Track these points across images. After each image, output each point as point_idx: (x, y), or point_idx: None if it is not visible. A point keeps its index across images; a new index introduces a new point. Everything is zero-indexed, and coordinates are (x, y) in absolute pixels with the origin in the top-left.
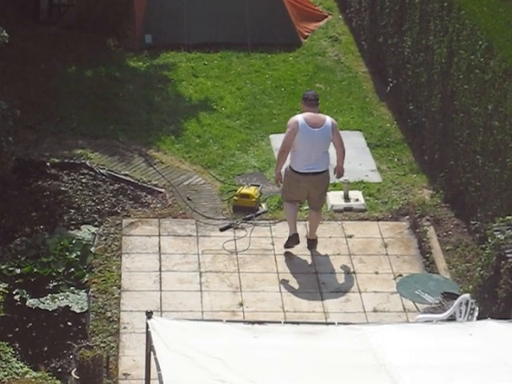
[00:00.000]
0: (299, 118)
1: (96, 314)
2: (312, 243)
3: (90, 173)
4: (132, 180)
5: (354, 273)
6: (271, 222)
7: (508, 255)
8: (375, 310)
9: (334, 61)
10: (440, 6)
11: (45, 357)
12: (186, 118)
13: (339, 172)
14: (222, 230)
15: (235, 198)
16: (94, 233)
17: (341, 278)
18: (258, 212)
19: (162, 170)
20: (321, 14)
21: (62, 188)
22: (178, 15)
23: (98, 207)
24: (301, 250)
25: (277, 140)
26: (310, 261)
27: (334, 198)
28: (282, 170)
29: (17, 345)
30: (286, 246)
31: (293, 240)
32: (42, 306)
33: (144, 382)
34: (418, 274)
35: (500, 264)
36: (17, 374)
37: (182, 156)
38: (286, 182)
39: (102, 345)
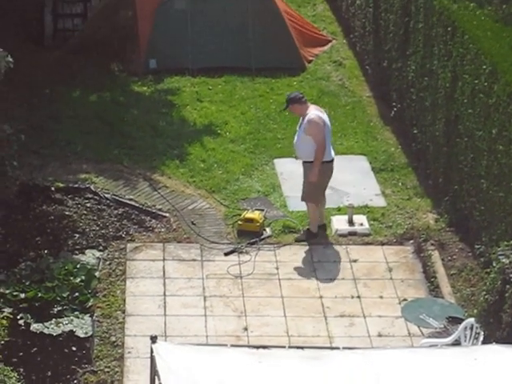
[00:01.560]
0: (318, 113)
1: (100, 338)
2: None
3: (95, 197)
4: (136, 204)
5: (359, 297)
6: (275, 246)
7: None
8: (380, 335)
9: (338, 85)
10: (444, 30)
11: (49, 382)
12: (190, 143)
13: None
14: (226, 254)
15: (239, 222)
16: (98, 257)
17: (345, 303)
18: (263, 236)
19: (167, 194)
20: (325, 39)
21: (67, 212)
22: (182, 40)
23: (103, 232)
24: (305, 275)
25: (281, 164)
26: (314, 285)
27: (339, 223)
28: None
29: (21, 369)
30: (307, 239)
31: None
32: (46, 331)
33: None
34: (422, 299)
35: (505, 288)
36: None
37: (187, 180)
38: (318, 181)
39: (107, 369)
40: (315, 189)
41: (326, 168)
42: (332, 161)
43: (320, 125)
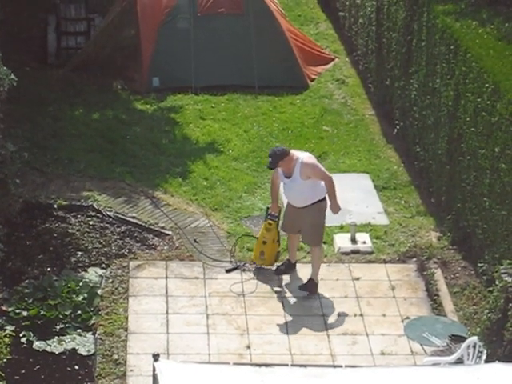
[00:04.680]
0: (304, 153)
1: (103, 356)
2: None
3: (98, 215)
4: (139, 222)
5: (362, 315)
6: (278, 264)
7: None
8: (383, 353)
9: (341, 103)
10: (447, 48)
11: None
12: (193, 161)
13: None
14: (227, 271)
15: (254, 258)
16: (101, 275)
17: (348, 321)
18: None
19: (169, 212)
20: (328, 57)
21: (69, 230)
22: (185, 58)
23: (105, 249)
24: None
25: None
26: (316, 303)
27: (341, 241)
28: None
29: None
30: (314, 291)
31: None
32: (48, 349)
33: None
34: (425, 317)
35: (508, 306)
36: None
37: (189, 198)
38: (322, 220)
39: None
40: (318, 229)
41: (325, 205)
42: (325, 198)
43: (315, 162)
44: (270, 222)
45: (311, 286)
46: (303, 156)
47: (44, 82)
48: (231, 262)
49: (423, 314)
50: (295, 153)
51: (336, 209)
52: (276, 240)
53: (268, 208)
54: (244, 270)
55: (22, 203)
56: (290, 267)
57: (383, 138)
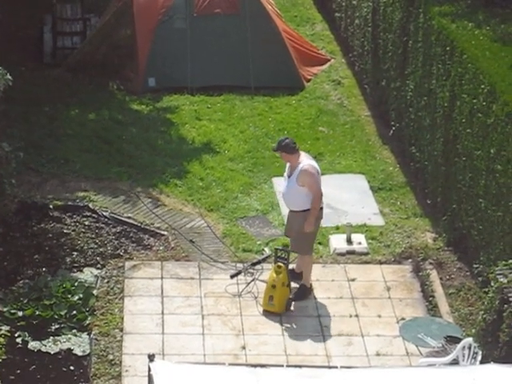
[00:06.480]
0: (311, 162)
1: (98, 356)
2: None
3: (93, 215)
4: (135, 223)
5: (357, 316)
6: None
7: (511, 299)
8: (378, 354)
9: (337, 104)
10: (443, 50)
11: None
12: (188, 161)
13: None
14: (232, 276)
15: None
16: (96, 275)
17: (343, 322)
18: (263, 257)
19: (165, 212)
20: (324, 58)
21: (65, 230)
22: (181, 58)
23: (101, 250)
24: None
25: (279, 183)
26: (312, 304)
27: (337, 242)
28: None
29: None
30: (303, 298)
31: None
32: (43, 349)
33: None
34: (420, 318)
35: (503, 308)
36: None
37: (185, 199)
38: (312, 230)
39: None
40: (306, 238)
41: (319, 216)
42: (322, 208)
43: (315, 175)
44: (280, 264)
45: (303, 291)
46: (307, 163)
47: (40, 81)
48: (226, 261)
49: (418, 314)
50: (303, 156)
51: (309, 227)
52: (286, 284)
53: (277, 250)
54: (247, 274)
55: (17, 203)
56: (294, 276)
57: (379, 138)
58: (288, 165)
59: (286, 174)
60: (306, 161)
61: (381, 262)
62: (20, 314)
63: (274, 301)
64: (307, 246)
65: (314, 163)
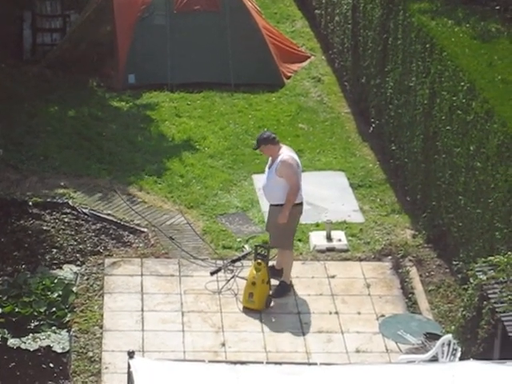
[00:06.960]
0: (291, 154)
1: (78, 353)
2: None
3: (73, 212)
4: (114, 219)
5: (337, 313)
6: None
7: (490, 296)
8: (358, 351)
9: (317, 101)
10: (422, 47)
11: None
12: (168, 158)
13: None
14: (212, 273)
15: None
16: (75, 272)
17: (323, 319)
18: (243, 254)
19: (145, 209)
20: (304, 55)
21: (44, 227)
22: (161, 55)
23: (80, 247)
24: None
25: (259, 180)
26: (292, 301)
27: (317, 238)
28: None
29: None
30: (283, 295)
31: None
32: (23, 346)
33: None
34: (400, 315)
35: (482, 304)
36: None
37: (165, 196)
38: (289, 225)
39: None
40: (285, 232)
41: (297, 211)
42: (302, 204)
43: (294, 166)
44: (260, 261)
45: (282, 288)
46: (286, 154)
47: (19, 78)
48: (206, 258)
49: (398, 311)
50: (284, 148)
51: (283, 219)
52: (266, 281)
53: (257, 247)
54: (227, 271)
55: None
56: (274, 273)
57: (359, 136)
58: (270, 159)
59: (267, 167)
60: (286, 152)
61: (361, 259)
62: None
63: (253, 298)
64: (287, 241)
65: (294, 155)
